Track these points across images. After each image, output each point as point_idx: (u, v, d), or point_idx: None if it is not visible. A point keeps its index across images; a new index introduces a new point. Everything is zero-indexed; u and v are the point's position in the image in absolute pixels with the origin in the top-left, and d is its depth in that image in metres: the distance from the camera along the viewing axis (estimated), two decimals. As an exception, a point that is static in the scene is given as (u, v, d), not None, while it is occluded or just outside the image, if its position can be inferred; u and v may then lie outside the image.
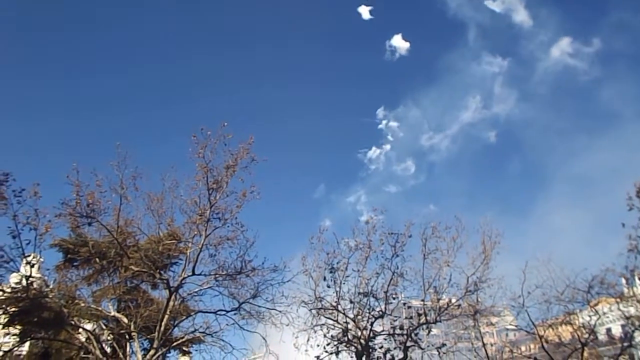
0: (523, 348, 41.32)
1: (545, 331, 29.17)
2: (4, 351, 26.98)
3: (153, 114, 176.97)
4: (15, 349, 27.79)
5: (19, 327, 24.54)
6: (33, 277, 20.21)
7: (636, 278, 27.10)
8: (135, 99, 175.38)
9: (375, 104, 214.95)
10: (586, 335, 28.12)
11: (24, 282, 19.80)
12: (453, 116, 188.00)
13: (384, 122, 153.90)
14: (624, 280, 27.57)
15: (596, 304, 28.65)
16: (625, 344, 28.77)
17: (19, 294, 20.46)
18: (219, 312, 23.19)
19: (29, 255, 19.34)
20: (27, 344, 30.72)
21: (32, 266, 19.79)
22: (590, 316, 28.49)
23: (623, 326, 31.61)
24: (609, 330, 38.61)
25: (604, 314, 29.29)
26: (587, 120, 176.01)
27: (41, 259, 21.66)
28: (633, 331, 28.09)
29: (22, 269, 19.96)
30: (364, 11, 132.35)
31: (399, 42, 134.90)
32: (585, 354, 28.77)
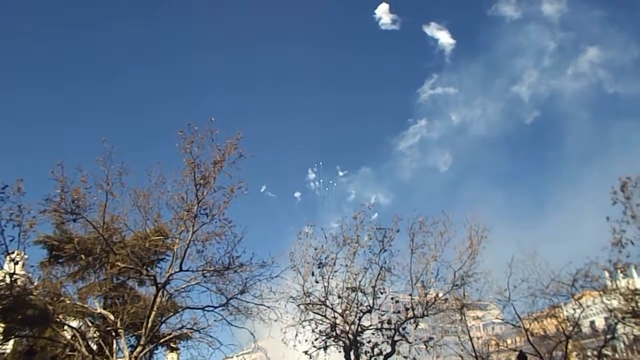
0: (509, 341, 41.83)
1: (530, 324, 29.57)
2: (-12, 349, 26.66)
3: (140, 113, 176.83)
4: (-1, 347, 27.47)
5: (2, 324, 24.24)
6: (17, 275, 19.97)
7: (619, 271, 27.48)
8: (121, 100, 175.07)
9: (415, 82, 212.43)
10: (570, 328, 28.51)
11: (7, 279, 19.53)
12: (493, 94, 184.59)
13: (424, 96, 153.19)
14: (607, 274, 27.94)
15: (580, 297, 29.04)
16: (609, 337, 29.26)
17: (2, 292, 20.16)
18: (206, 308, 23.11)
19: (12, 252, 19.05)
20: (11, 341, 30.36)
21: (16, 263, 19.52)
22: (574, 309, 28.88)
23: (606, 319, 32.16)
24: (592, 322, 39.27)
25: (588, 307, 29.69)
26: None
27: (25, 256, 21.34)
28: (616, 324, 28.56)
29: (5, 266, 19.68)
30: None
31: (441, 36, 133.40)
32: (569, 347, 29.19)
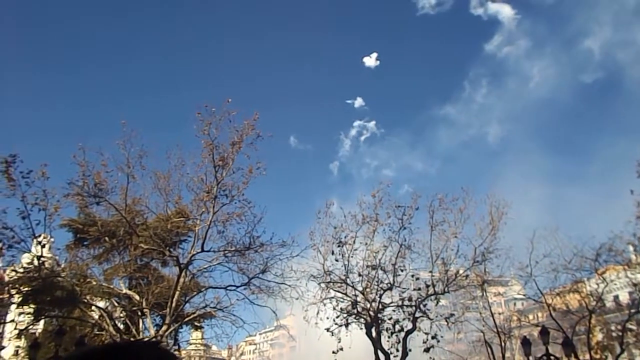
0: (531, 317, 41.63)
1: (553, 299, 29.35)
2: (20, 329, 27.49)
3: (159, 96, 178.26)
4: (30, 327, 28.32)
5: (33, 306, 24.93)
6: (44, 257, 20.43)
7: (644, 245, 27.04)
8: (141, 83, 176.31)
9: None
10: (594, 303, 28.26)
11: (35, 262, 20.04)
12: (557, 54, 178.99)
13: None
14: (631, 248, 27.54)
15: (604, 272, 28.69)
16: (633, 311, 28.90)
17: (31, 274, 20.72)
18: (229, 288, 23.44)
19: (39, 236, 19.51)
20: (42, 322, 31.30)
21: (43, 246, 19.99)
22: (597, 284, 28.58)
23: (630, 293, 31.73)
24: (616, 297, 38.75)
25: (612, 281, 29.34)
26: None
27: (51, 239, 21.80)
28: (640, 297, 28.22)
29: (33, 249, 20.16)
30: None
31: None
32: (593, 321, 28.98)
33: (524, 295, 32.52)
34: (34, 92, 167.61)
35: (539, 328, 26.35)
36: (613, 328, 32.22)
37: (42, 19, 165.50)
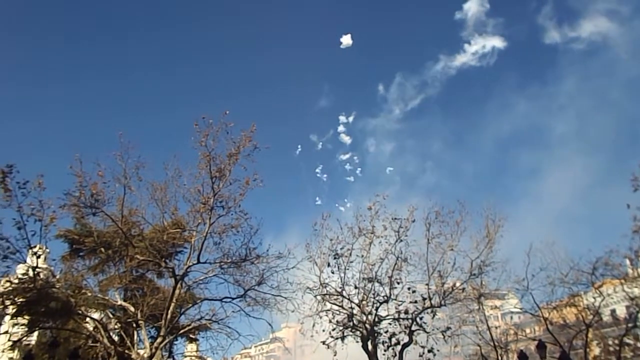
0: (528, 330, 41.52)
1: (549, 313, 29.28)
2: (13, 341, 27.27)
3: (157, 108, 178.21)
4: (24, 338, 28.11)
5: (27, 317, 24.79)
6: (39, 268, 20.31)
7: (640, 259, 27.10)
8: (138, 95, 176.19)
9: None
10: (590, 317, 28.21)
11: (30, 272, 19.94)
12: None
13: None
14: (628, 262, 27.57)
15: (600, 286, 28.68)
16: (630, 325, 28.86)
17: (26, 285, 20.61)
18: (224, 300, 23.34)
19: (34, 246, 19.41)
20: (36, 333, 31.06)
21: (38, 257, 19.88)
22: (594, 298, 28.53)
23: (627, 307, 31.68)
24: (613, 311, 38.69)
25: (608, 295, 29.32)
26: None
27: (47, 250, 21.70)
28: (637, 312, 28.18)
29: (28, 260, 20.05)
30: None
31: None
32: (590, 335, 28.90)
33: (520, 309, 32.51)
34: (32, 103, 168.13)
35: (536, 342, 26.25)
36: (610, 342, 32.15)
37: (40, 31, 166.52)
